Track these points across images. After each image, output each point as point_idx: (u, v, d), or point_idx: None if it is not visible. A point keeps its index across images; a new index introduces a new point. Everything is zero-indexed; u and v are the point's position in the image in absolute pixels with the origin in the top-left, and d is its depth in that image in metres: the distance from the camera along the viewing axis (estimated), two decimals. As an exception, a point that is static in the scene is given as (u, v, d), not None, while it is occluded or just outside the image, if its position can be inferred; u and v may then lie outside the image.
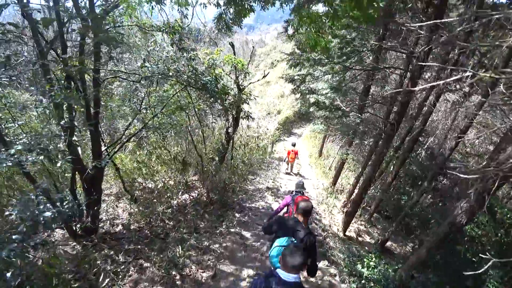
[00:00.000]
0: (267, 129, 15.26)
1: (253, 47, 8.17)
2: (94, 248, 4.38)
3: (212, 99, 4.45)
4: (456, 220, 2.94)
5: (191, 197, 6.93)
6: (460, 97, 8.84)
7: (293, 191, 4.52)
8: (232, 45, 6.97)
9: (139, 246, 4.55)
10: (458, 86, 7.79)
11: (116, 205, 5.91)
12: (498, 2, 6.67)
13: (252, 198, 7.36)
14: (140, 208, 6.19)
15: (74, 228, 4.49)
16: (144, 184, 7.51)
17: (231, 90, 5.05)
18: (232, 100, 4.98)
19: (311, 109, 7.58)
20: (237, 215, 6.18)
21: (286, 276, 1.80)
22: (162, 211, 6.02)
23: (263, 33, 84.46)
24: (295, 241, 2.49)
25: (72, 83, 3.34)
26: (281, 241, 2.53)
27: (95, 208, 4.56)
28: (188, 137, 7.85)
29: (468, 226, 4.51)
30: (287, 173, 10.74)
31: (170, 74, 4.00)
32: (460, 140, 5.41)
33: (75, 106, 4.41)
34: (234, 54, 7.00)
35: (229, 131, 7.44)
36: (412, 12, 6.00)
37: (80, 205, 4.48)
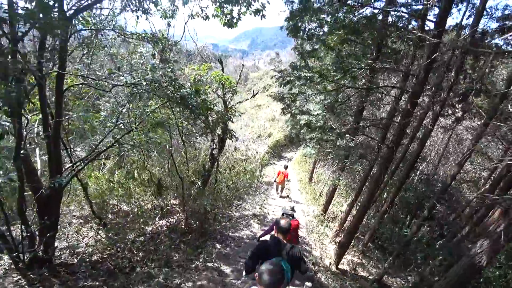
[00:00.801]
0: (256, 152, 14.79)
1: (242, 65, 7.91)
2: (41, 283, 3.66)
3: (192, 115, 3.97)
4: (474, 261, 2.44)
5: (169, 223, 6.26)
6: (452, 122, 8.69)
7: (283, 214, 4.37)
8: (220, 61, 6.66)
9: (96, 283, 3.84)
10: (450, 111, 7.62)
11: (77, 231, 5.19)
12: (488, 27, 6.62)
13: (236, 226, 6.70)
14: (110, 234, 5.53)
15: (22, 257, 3.79)
16: (118, 206, 6.87)
17: (214, 106, 4.60)
18: (216, 117, 4.51)
19: (302, 131, 7.19)
20: (217, 246, 5.50)
21: None
22: (133, 239, 5.34)
23: (256, 58, 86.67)
24: (282, 260, 2.38)
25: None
26: None
27: (48, 234, 3.89)
28: (169, 157, 7.28)
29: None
30: (280, 196, 10.68)
31: (145, 83, 3.54)
32: (462, 166, 5.04)
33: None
34: (222, 71, 6.67)
35: (214, 152, 6.93)
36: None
37: (30, 231, 3.84)
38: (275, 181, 10.63)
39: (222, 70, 6.59)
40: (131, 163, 8.92)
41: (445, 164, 10.70)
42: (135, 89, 3.94)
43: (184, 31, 7.48)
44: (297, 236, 4.47)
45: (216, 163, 7.16)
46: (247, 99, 7.31)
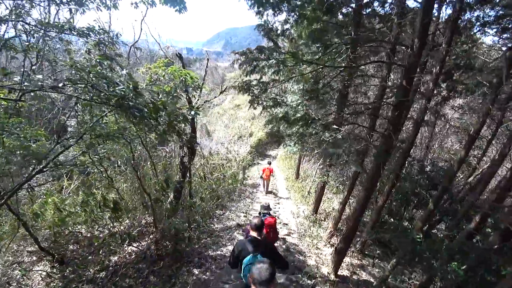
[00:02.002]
0: (237, 154, 13.92)
1: (207, 59, 7.07)
2: None
3: (136, 119, 3.09)
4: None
5: (140, 248, 5.36)
6: (436, 103, 8.21)
7: (260, 212, 4.65)
8: (180, 56, 5.79)
9: None
10: (435, 91, 7.11)
11: (16, 274, 4.22)
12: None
13: (218, 242, 5.82)
14: (66, 271, 4.63)
15: None
16: (84, 234, 5.92)
17: (164, 108, 3.72)
18: (168, 119, 3.62)
19: (281, 127, 6.39)
20: (195, 271, 4.64)
21: None
22: (92, 277, 4.43)
23: (232, 59, 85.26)
24: (258, 256, 2.56)
25: None
26: (247, 260, 2.59)
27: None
28: (133, 172, 6.33)
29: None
30: (267, 192, 10.96)
31: (67, 83, 2.65)
32: (470, 149, 4.44)
33: None
34: (183, 66, 5.81)
35: (184, 160, 6.04)
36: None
37: None
38: (261, 177, 10.75)
39: (183, 65, 5.73)
40: (99, 181, 7.93)
41: (434, 147, 10.30)
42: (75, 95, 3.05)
43: (141, 30, 6.57)
44: (276, 231, 4.61)
45: (188, 172, 6.27)
46: (215, 97, 6.49)
